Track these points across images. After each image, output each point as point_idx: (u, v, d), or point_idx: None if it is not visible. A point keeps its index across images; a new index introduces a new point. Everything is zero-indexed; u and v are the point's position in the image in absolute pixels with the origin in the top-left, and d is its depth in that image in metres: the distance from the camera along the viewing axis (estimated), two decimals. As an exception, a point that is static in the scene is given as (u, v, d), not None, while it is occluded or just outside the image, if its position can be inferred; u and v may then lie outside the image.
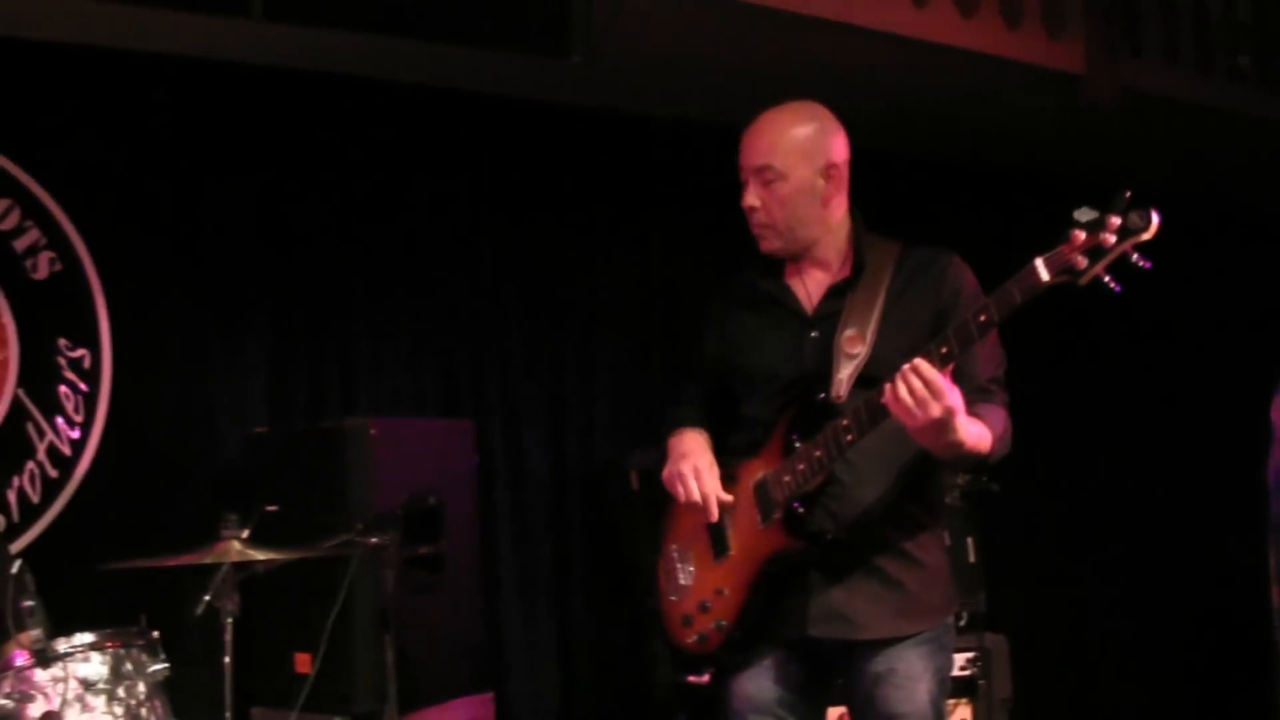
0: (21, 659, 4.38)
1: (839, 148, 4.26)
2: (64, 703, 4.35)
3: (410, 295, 7.13)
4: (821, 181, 4.22)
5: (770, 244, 4.29)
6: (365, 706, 5.67)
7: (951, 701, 5.35)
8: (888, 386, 3.80)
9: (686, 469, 4.26)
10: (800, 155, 4.20)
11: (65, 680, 4.37)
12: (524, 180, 7.38)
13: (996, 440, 3.99)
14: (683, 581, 4.42)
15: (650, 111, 7.32)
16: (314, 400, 6.80)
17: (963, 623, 5.22)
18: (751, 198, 4.22)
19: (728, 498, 4.25)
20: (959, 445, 3.85)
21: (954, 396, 3.75)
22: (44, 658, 4.39)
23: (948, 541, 4.46)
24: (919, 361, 3.75)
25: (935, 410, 3.73)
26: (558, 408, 7.45)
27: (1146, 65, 6.75)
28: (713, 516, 4.24)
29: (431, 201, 7.16)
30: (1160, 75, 6.82)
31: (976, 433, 3.90)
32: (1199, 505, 7.18)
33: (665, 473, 4.35)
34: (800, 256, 4.31)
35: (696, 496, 4.22)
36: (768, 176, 4.19)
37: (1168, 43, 6.82)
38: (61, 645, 4.44)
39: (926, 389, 3.72)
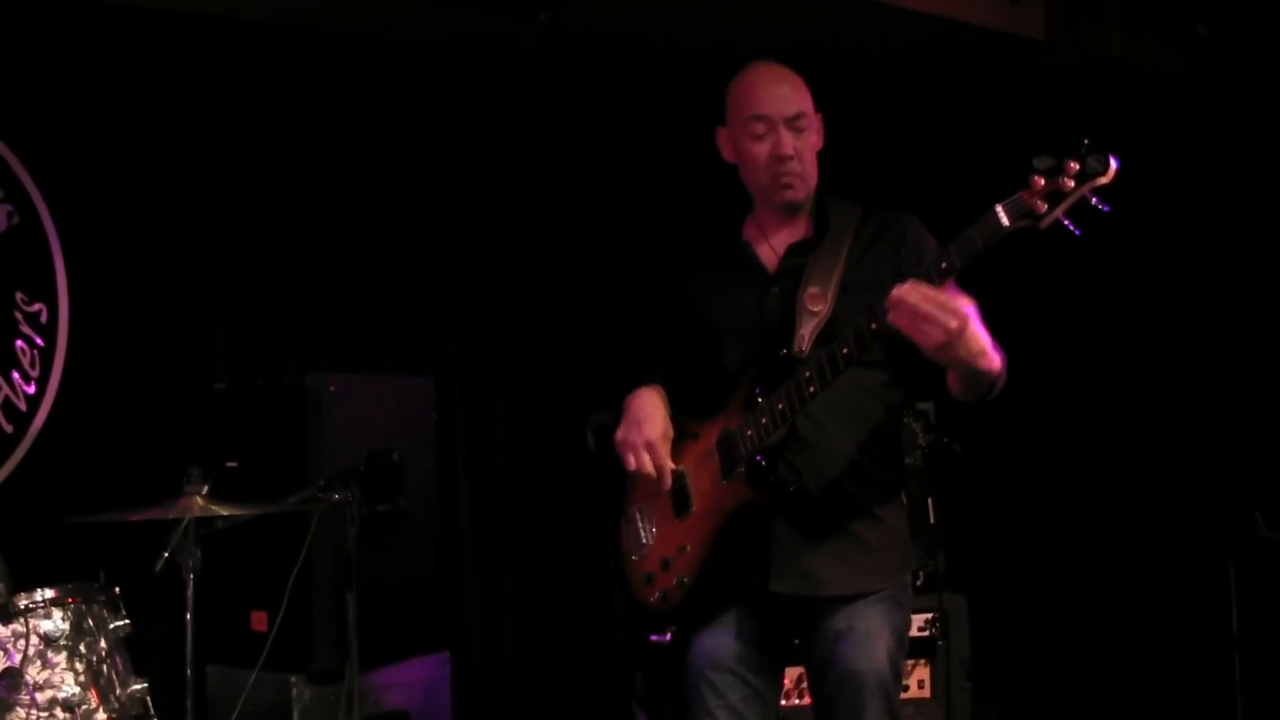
0: (-19, 614, 4.40)
1: None
2: (25, 659, 4.38)
3: (370, 252, 7.15)
4: (819, 138, 4.30)
5: (797, 194, 4.29)
6: (325, 664, 5.70)
7: (910, 662, 5.41)
8: (891, 310, 3.68)
9: (638, 440, 4.28)
10: (812, 104, 4.26)
11: (26, 636, 4.41)
12: (483, 136, 7.41)
13: (1003, 360, 3.90)
14: (645, 540, 4.46)
15: (608, 65, 7.32)
16: (274, 357, 6.83)
17: (920, 582, 5.27)
18: (789, 146, 4.21)
19: (673, 466, 4.28)
20: (982, 353, 3.76)
21: (964, 301, 3.69)
22: (4, 613, 4.42)
23: (904, 501, 4.50)
24: (915, 282, 3.68)
25: (952, 322, 3.64)
26: (517, 365, 7.48)
27: (1106, 31, 6.80)
28: (665, 486, 4.28)
29: (391, 158, 7.18)
30: (1120, 42, 6.88)
31: (990, 343, 3.80)
32: (1159, 465, 7.25)
33: (617, 435, 4.37)
34: (793, 210, 4.33)
35: (647, 468, 4.25)
36: (802, 124, 4.22)
37: (1127, 9, 6.87)
38: (22, 600, 4.47)
39: (933, 303, 3.64)
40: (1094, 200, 3.62)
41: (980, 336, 3.76)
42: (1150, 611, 7.13)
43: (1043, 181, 3.64)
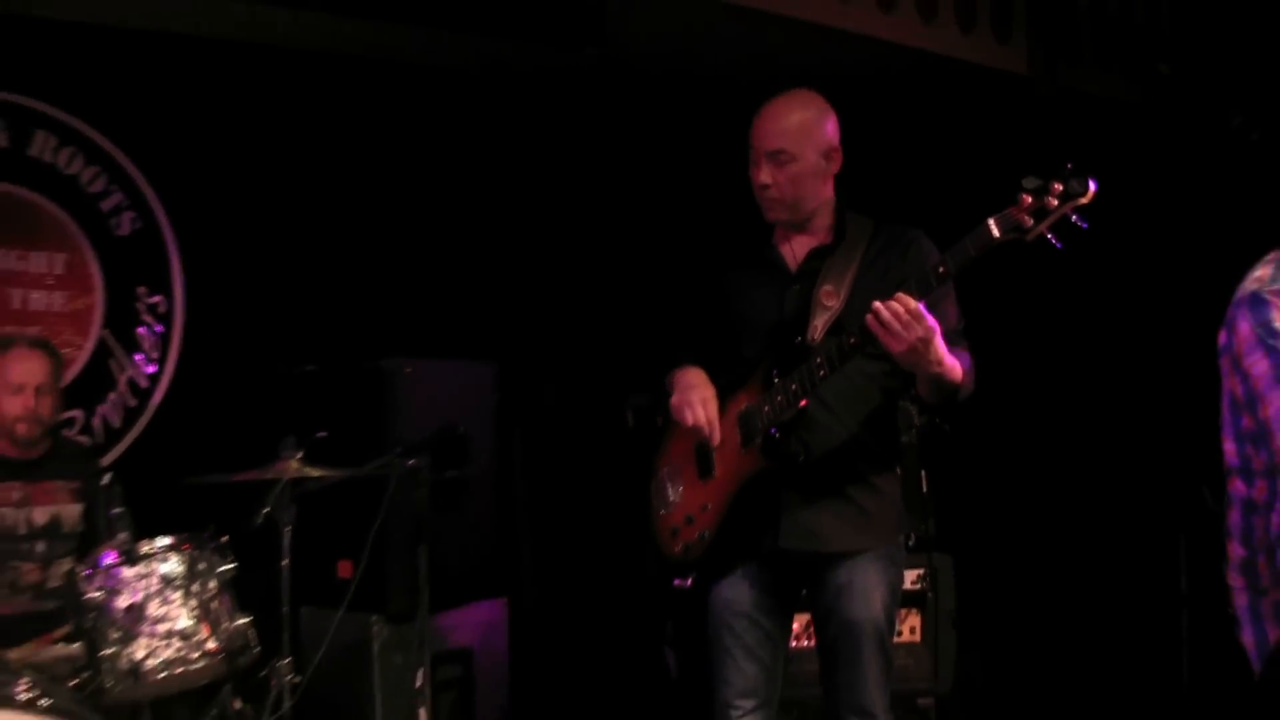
0: (111, 558, 4.47)
1: (834, 131, 4.33)
2: (147, 596, 4.44)
3: (442, 254, 7.19)
4: (824, 163, 4.30)
5: (777, 214, 4.35)
6: (400, 607, 5.73)
7: (903, 611, 5.44)
8: (870, 316, 3.82)
9: (695, 398, 4.30)
10: (808, 140, 4.26)
11: (148, 577, 4.47)
12: (546, 152, 7.42)
13: (966, 373, 4.04)
14: (672, 499, 4.51)
15: (650, 86, 7.35)
16: (357, 342, 6.86)
17: (912, 543, 5.29)
18: (765, 176, 4.26)
19: (716, 435, 4.32)
20: (939, 363, 3.89)
21: (931, 320, 3.80)
22: (130, 557, 4.48)
23: (899, 473, 4.54)
24: (898, 294, 3.80)
25: (918, 330, 3.78)
26: (567, 355, 7.51)
27: (1082, 68, 6.82)
28: (715, 440, 4.31)
29: (461, 173, 7.21)
30: (1094, 78, 6.89)
31: (951, 362, 3.94)
32: (1122, 448, 7.27)
33: (674, 400, 4.38)
34: (796, 225, 4.39)
35: (702, 421, 4.28)
36: (782, 159, 4.24)
37: (1100, 49, 6.88)
38: (145, 547, 4.54)
39: (907, 314, 3.77)
40: (1074, 218, 3.68)
41: (940, 350, 3.87)
42: (1111, 573, 7.15)
43: (1030, 199, 3.70)
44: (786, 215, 4.36)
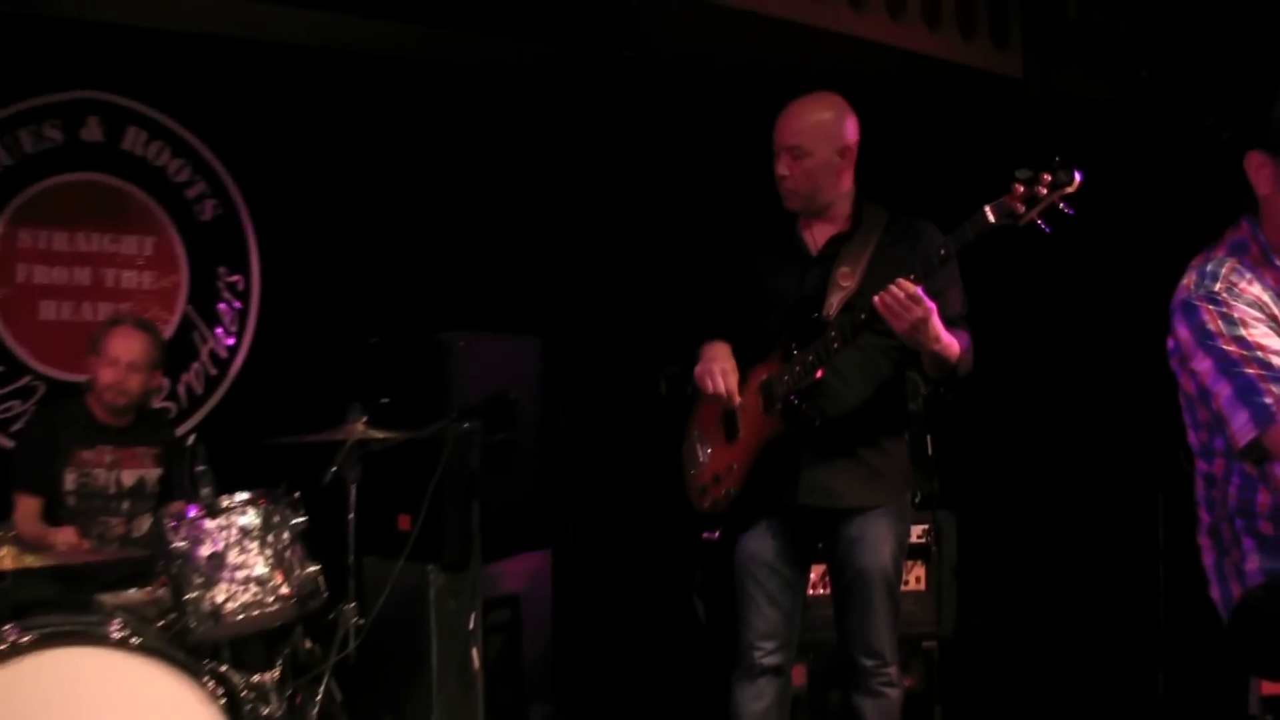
0: (194, 511, 4.48)
1: (852, 132, 4.35)
2: (226, 546, 4.45)
3: (493, 238, 7.18)
4: (838, 159, 4.32)
5: (793, 203, 4.39)
6: (454, 557, 5.74)
7: (909, 562, 5.44)
8: (876, 298, 3.91)
9: (716, 369, 4.34)
10: (823, 137, 4.29)
11: (228, 528, 4.48)
12: (580, 149, 7.41)
13: (963, 352, 4.10)
14: (701, 459, 4.53)
15: (685, 88, 7.33)
16: (418, 318, 6.87)
17: (918, 501, 5.27)
18: (783, 168, 4.32)
19: (737, 399, 4.35)
20: (937, 341, 3.96)
21: (929, 303, 3.88)
22: (211, 510, 4.49)
23: (907, 437, 4.54)
24: (899, 280, 3.87)
25: (918, 311, 3.86)
26: (605, 328, 7.51)
27: (1071, 72, 6.78)
28: (734, 403, 4.35)
29: (510, 166, 7.19)
30: (1081, 81, 6.85)
31: (948, 340, 4.01)
32: (1107, 416, 7.25)
33: (698, 370, 4.42)
34: (815, 213, 4.40)
35: (721, 390, 4.31)
36: (797, 153, 4.29)
37: (1088, 55, 6.84)
38: (225, 501, 4.54)
39: (907, 297, 3.85)
40: (1061, 205, 3.72)
41: (937, 329, 3.95)
42: (1096, 528, 7.15)
43: (1022, 189, 3.75)
44: (801, 205, 4.40)
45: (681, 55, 6.61)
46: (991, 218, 3.80)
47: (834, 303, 4.26)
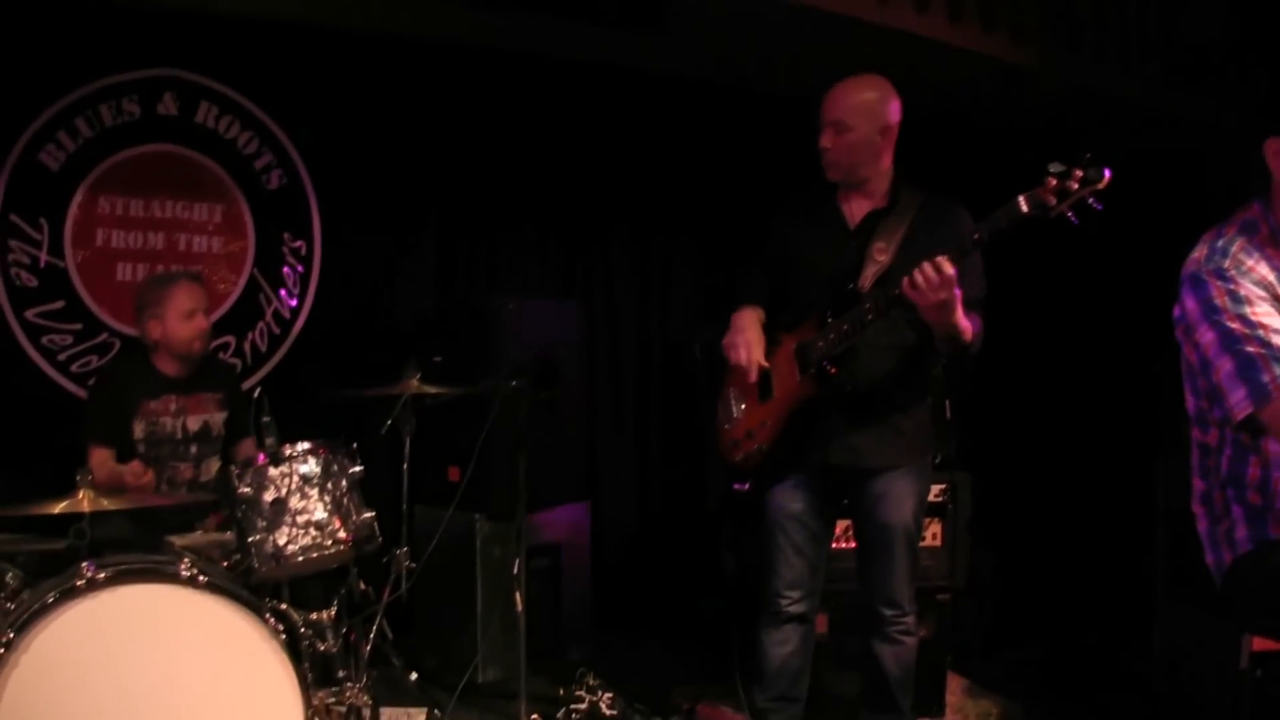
0: (259, 459, 4.48)
1: (894, 113, 4.33)
2: (289, 492, 4.44)
3: (538, 207, 7.14)
4: (879, 138, 4.30)
5: (834, 174, 4.37)
6: (500, 507, 5.76)
7: (927, 519, 5.40)
8: (906, 279, 3.90)
9: (741, 341, 4.35)
10: (866, 115, 4.27)
11: (290, 476, 4.46)
12: (615, 127, 7.34)
13: (975, 335, 4.10)
14: (735, 415, 4.52)
15: (729, 69, 7.25)
16: (468, 282, 6.88)
17: (938, 461, 5.23)
18: (826, 141, 4.30)
19: (765, 364, 4.34)
20: (954, 325, 3.96)
21: (955, 289, 3.87)
22: (275, 459, 4.48)
23: (929, 402, 4.52)
24: (936, 259, 3.85)
25: (944, 294, 3.85)
26: (644, 294, 7.48)
27: (1083, 64, 6.69)
28: (751, 378, 4.35)
29: (553, 141, 7.15)
30: (1093, 73, 6.77)
31: (965, 324, 4.01)
32: (1111, 383, 7.21)
33: (725, 339, 4.42)
34: (854, 187, 4.37)
35: (744, 362, 4.31)
36: (840, 128, 4.27)
37: (1099, 49, 6.74)
38: (287, 451, 4.52)
39: (939, 277, 3.83)
40: (1091, 200, 3.70)
41: (957, 314, 3.94)
42: (1099, 490, 7.11)
43: (1054, 182, 3.73)
44: (841, 176, 4.37)
45: (708, 34, 6.51)
46: (1024, 208, 3.77)
47: (869, 276, 4.24)
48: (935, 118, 6.50)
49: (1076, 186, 3.69)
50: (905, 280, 3.90)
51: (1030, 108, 7.15)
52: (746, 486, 4.49)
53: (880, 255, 4.25)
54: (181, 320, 5.19)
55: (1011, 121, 7.32)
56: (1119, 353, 7.16)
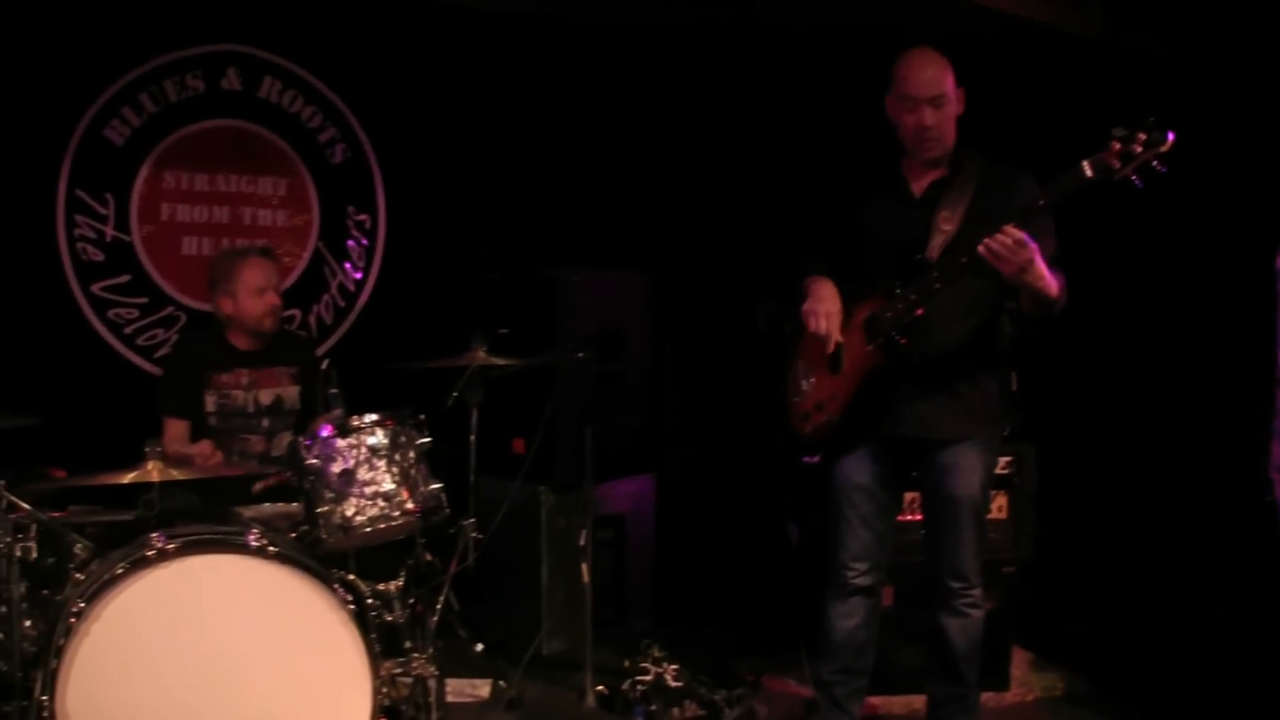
0: (327, 431, 4.45)
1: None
2: (356, 463, 4.42)
3: (606, 182, 7.11)
4: (959, 106, 4.26)
5: (935, 152, 4.31)
6: (565, 478, 5.76)
7: (994, 491, 5.35)
8: (982, 245, 3.89)
9: (822, 310, 4.29)
10: (953, 87, 4.24)
11: (358, 447, 4.44)
12: (687, 95, 7.29)
13: (1061, 290, 4.06)
14: (805, 388, 4.49)
15: (786, 36, 7.17)
16: (534, 254, 6.84)
17: (1006, 433, 5.18)
18: (929, 119, 4.22)
19: (840, 338, 4.30)
20: (1042, 282, 3.94)
21: (1032, 245, 3.86)
22: (343, 430, 4.46)
23: (998, 373, 4.48)
24: (1005, 227, 3.85)
25: (1024, 254, 3.84)
26: (709, 266, 7.44)
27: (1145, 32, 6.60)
28: (830, 348, 4.31)
29: (621, 111, 7.11)
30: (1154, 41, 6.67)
31: (1050, 279, 3.98)
32: (1183, 354, 7.11)
33: (805, 307, 4.35)
34: (932, 161, 4.32)
35: (823, 331, 4.26)
36: (939, 103, 4.22)
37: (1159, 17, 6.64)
38: (355, 422, 4.50)
39: (1014, 242, 3.83)
40: (1155, 164, 3.68)
41: (1041, 269, 3.91)
42: (1165, 462, 7.02)
43: (1119, 146, 3.70)
44: (940, 152, 4.34)
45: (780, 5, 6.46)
46: (1089, 172, 3.75)
47: (936, 245, 4.20)
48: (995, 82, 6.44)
49: (1140, 150, 3.66)
50: (982, 249, 3.88)
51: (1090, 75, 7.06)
52: (817, 459, 4.47)
53: (946, 225, 4.21)
54: (253, 297, 5.21)
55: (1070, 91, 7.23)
56: (1192, 322, 7.04)
